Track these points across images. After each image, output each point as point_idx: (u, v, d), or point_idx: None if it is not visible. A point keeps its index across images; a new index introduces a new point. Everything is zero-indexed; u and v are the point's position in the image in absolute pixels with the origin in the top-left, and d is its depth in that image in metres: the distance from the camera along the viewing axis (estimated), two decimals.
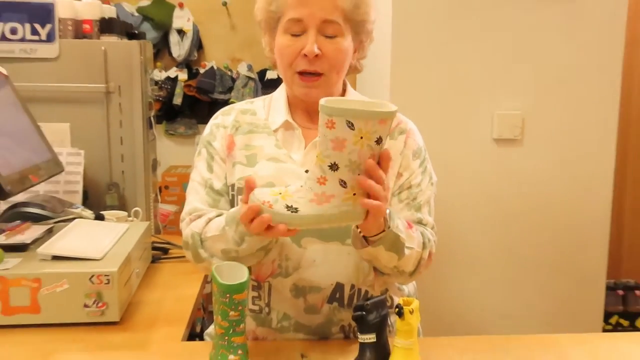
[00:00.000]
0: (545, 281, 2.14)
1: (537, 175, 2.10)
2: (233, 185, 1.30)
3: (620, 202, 2.81)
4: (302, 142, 1.29)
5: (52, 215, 1.72)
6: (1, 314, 1.30)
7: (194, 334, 1.93)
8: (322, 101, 0.99)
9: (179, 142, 3.88)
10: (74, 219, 1.70)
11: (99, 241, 1.49)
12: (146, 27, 3.72)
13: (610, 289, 2.53)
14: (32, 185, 1.70)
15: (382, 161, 1.03)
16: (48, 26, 2.08)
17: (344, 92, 1.34)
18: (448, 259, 2.04)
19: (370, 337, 1.09)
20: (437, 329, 1.77)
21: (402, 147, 1.31)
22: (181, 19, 3.75)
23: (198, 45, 3.84)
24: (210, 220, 1.25)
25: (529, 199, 2.10)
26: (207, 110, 3.80)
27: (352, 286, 1.28)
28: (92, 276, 1.31)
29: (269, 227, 1.04)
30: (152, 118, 2.25)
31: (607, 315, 2.52)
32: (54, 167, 1.88)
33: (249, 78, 3.79)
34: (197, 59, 3.87)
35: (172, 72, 3.78)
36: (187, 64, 3.84)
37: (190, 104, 3.81)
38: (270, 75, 3.78)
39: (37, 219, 1.68)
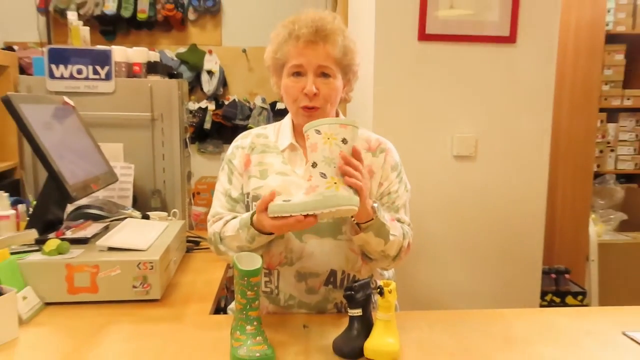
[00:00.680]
0: (494, 267, 2.13)
1: (487, 184, 2.09)
2: (248, 194, 1.29)
3: (553, 204, 2.80)
4: (304, 160, 1.29)
5: (108, 215, 1.71)
6: (67, 293, 1.30)
7: (219, 309, 1.91)
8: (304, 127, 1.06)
9: (208, 158, 3.87)
10: (125, 218, 1.70)
11: (145, 236, 1.48)
12: (183, 68, 3.72)
13: (545, 273, 2.51)
14: (93, 192, 1.69)
15: (355, 156, 1.07)
16: (106, 68, 2.08)
17: None
18: (418, 250, 2.03)
19: (358, 312, 1.09)
20: (410, 305, 1.76)
21: (382, 162, 1.31)
22: (210, 62, 3.75)
23: (223, 82, 3.83)
24: (227, 222, 1.25)
25: (481, 202, 2.09)
26: (230, 133, 3.77)
27: (343, 272, 1.27)
28: (139, 263, 1.31)
29: (281, 222, 1.05)
30: (187, 139, 2.24)
31: (543, 294, 2.50)
32: (110, 177, 1.88)
33: (263, 108, 3.78)
34: (223, 93, 3.86)
35: (203, 104, 3.77)
36: (215, 97, 3.82)
37: (217, 128, 3.79)
38: (280, 105, 3.77)
39: (96, 218, 1.67)
